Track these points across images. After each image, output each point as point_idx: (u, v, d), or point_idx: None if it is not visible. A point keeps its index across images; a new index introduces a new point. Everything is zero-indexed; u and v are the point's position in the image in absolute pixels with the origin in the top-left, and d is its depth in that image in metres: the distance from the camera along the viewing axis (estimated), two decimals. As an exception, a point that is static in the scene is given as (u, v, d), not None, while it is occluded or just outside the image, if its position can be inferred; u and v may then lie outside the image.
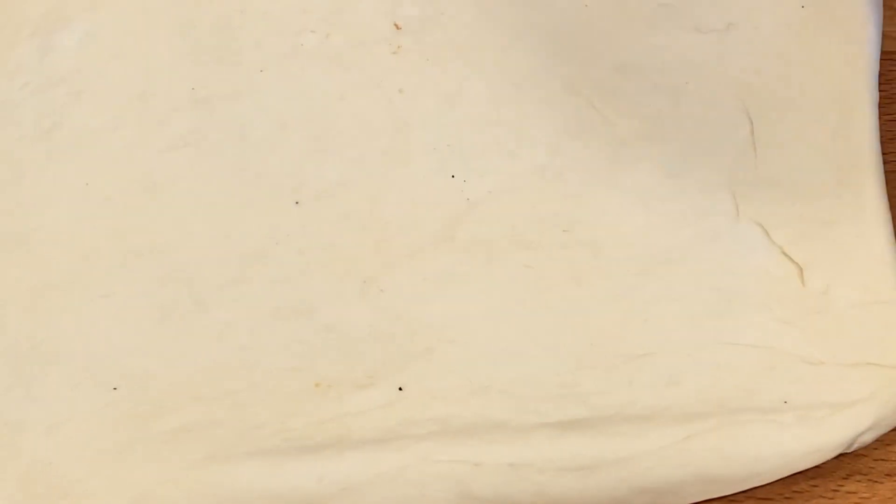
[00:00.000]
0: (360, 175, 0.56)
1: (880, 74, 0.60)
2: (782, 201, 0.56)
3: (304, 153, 0.56)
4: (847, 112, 0.57)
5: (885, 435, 0.54)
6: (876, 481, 0.54)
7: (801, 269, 0.55)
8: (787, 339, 0.53)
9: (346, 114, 0.57)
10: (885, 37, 0.61)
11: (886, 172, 0.58)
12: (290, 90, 0.57)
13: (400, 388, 0.52)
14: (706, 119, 0.57)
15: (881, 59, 0.60)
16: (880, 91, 0.60)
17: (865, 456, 0.55)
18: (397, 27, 0.59)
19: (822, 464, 0.54)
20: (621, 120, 0.57)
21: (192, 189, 0.56)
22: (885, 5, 0.61)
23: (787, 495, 0.54)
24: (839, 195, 0.56)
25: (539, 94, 0.57)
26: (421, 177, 0.56)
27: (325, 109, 0.57)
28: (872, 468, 0.54)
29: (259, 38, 0.58)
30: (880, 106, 0.60)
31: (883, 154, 0.58)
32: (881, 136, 0.58)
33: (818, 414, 0.52)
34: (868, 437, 0.53)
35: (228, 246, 0.55)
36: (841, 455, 0.54)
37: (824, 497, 0.54)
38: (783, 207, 0.56)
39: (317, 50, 0.58)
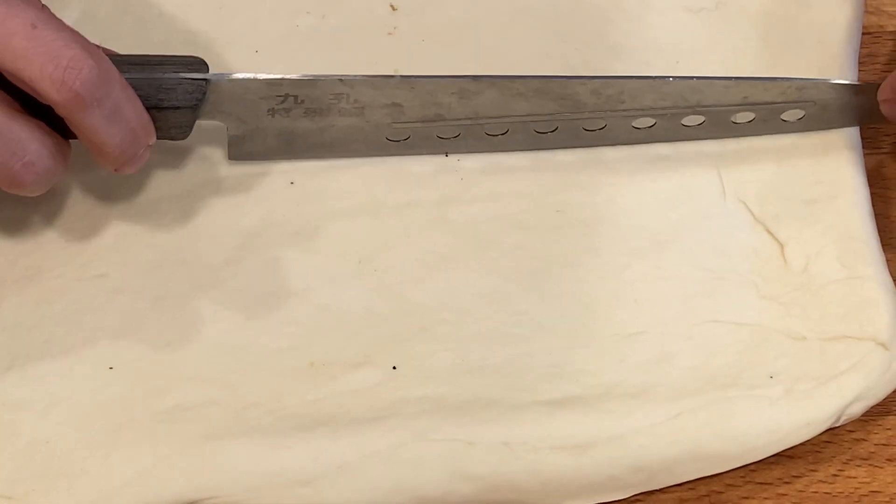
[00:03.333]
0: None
1: (862, 53, 0.62)
2: (765, 181, 0.58)
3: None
4: None
5: (886, 419, 0.56)
6: (877, 466, 0.55)
7: (782, 247, 0.57)
8: (771, 315, 0.55)
9: None
10: (867, 14, 0.62)
11: (866, 151, 0.60)
12: (284, 70, 0.57)
13: (394, 367, 0.54)
14: None
15: (864, 37, 0.62)
16: (861, 69, 0.61)
17: (866, 440, 0.56)
18: (393, 8, 0.60)
19: (823, 448, 0.55)
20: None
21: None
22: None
23: (786, 479, 0.55)
24: (818, 174, 0.58)
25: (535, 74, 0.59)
26: (415, 156, 0.58)
27: None
28: (873, 453, 0.56)
29: (255, 18, 0.59)
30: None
31: (862, 135, 0.60)
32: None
33: (804, 387, 0.54)
34: (856, 409, 0.54)
35: (223, 227, 0.56)
36: (839, 437, 0.55)
37: (824, 482, 0.55)
38: (766, 187, 0.58)
39: (312, 31, 0.59)
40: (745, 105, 0.57)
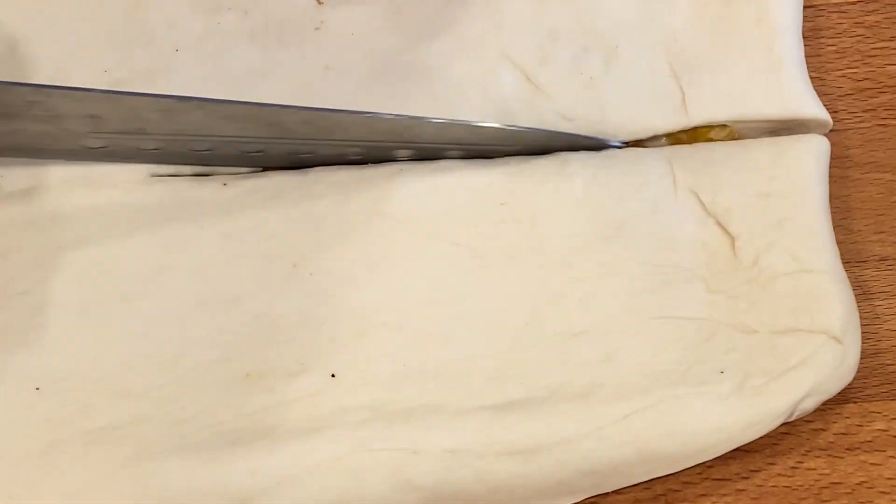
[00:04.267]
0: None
1: (806, 28, 0.60)
2: (718, 173, 0.56)
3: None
4: (775, 72, 0.57)
5: (845, 408, 0.55)
6: (836, 456, 0.54)
7: (733, 240, 0.55)
8: (720, 309, 0.54)
9: (269, 92, 0.56)
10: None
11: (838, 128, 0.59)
12: (207, 69, 0.57)
13: (332, 375, 0.52)
14: (638, 84, 0.57)
15: (806, 11, 0.60)
16: (807, 44, 0.60)
17: (825, 430, 0.55)
18: (319, 2, 0.58)
19: (780, 440, 0.54)
20: (556, 89, 0.57)
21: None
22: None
23: (743, 475, 0.54)
24: (774, 168, 0.56)
25: (472, 65, 0.57)
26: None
27: (247, 88, 0.56)
28: (832, 443, 0.55)
29: (173, 17, 0.57)
30: (830, 61, 0.61)
31: (832, 112, 0.59)
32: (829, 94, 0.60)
33: (755, 382, 0.52)
34: (809, 404, 0.53)
35: (149, 235, 0.54)
36: (797, 428, 0.54)
37: (783, 475, 0.54)
38: (719, 179, 0.56)
39: (235, 28, 0.57)
40: (458, 146, 0.56)
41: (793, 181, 0.56)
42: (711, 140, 0.58)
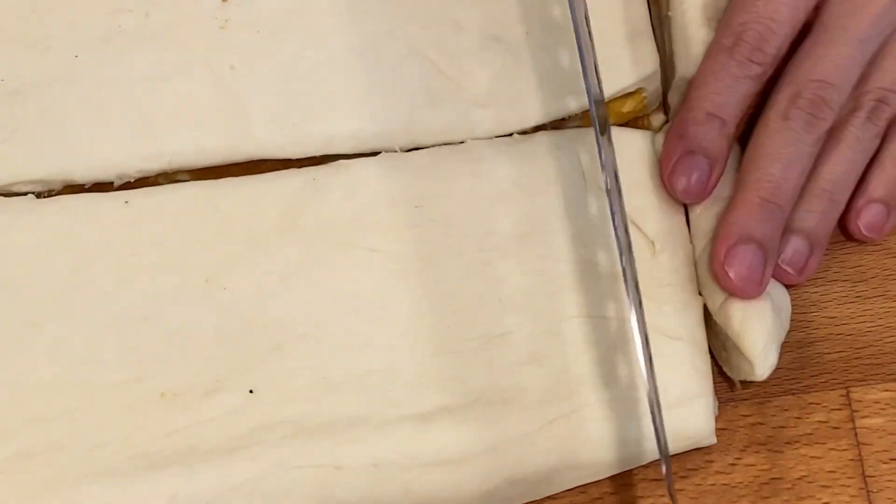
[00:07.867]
0: (192, 160, 0.55)
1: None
2: (625, 169, 0.55)
3: (127, 140, 0.55)
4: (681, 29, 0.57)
5: (784, 400, 0.55)
6: (776, 451, 0.54)
7: (652, 243, 0.55)
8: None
9: (172, 95, 0.56)
10: None
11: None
12: (107, 74, 0.56)
13: (251, 391, 0.52)
14: (549, 72, 0.57)
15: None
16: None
17: (763, 424, 0.55)
18: (223, 0, 0.58)
19: (718, 437, 0.54)
20: (467, 80, 0.56)
21: (10, 188, 0.55)
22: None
23: (682, 474, 0.54)
24: None
25: (382, 60, 0.57)
26: (260, 157, 0.56)
27: (149, 92, 0.56)
28: (771, 437, 0.55)
29: (71, 21, 0.56)
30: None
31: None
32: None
33: (680, 391, 0.52)
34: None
35: (55, 255, 0.54)
36: (734, 423, 0.54)
37: (722, 472, 0.54)
38: (626, 176, 0.55)
39: (135, 30, 0.56)
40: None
41: None
42: (626, 115, 0.58)
